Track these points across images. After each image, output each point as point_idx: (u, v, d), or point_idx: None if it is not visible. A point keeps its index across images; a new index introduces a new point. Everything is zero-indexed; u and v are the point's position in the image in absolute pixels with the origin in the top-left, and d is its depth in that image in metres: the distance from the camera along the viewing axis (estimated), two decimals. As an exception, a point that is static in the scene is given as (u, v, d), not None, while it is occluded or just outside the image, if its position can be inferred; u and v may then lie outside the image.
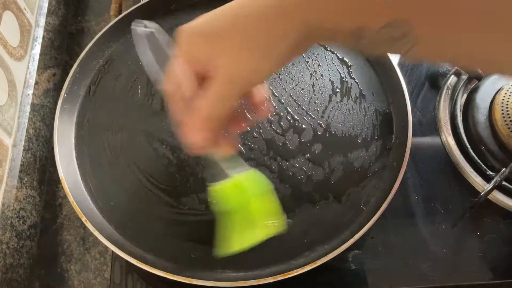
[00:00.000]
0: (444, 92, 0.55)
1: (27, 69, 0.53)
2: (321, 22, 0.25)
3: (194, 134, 0.30)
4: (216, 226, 0.37)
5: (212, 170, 0.35)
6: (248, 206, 0.33)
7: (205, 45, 0.28)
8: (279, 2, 0.25)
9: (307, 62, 0.53)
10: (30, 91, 0.53)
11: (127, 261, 0.40)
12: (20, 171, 0.48)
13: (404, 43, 0.23)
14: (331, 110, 0.50)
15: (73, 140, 0.49)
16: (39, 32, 0.56)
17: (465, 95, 0.55)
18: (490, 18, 0.21)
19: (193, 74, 0.29)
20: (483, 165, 0.49)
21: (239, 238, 0.34)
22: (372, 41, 0.24)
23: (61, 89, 0.49)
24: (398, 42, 0.23)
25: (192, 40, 0.28)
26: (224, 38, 0.27)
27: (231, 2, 0.27)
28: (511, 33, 0.21)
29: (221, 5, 0.28)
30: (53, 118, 0.49)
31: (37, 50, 0.55)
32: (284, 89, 0.51)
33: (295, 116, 0.49)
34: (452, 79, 0.56)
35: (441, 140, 0.52)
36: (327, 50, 0.54)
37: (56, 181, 0.53)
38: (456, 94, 0.55)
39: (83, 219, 0.42)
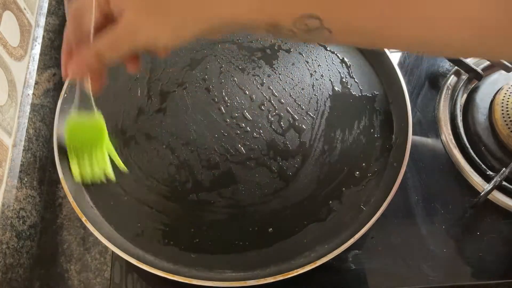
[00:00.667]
0: (444, 92, 0.55)
1: (27, 69, 0.53)
2: (234, 18, 0.26)
3: (81, 62, 0.31)
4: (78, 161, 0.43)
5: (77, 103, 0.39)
6: (100, 144, 0.42)
7: None
8: None
9: (307, 62, 0.53)
10: (30, 91, 0.53)
11: (127, 261, 0.40)
12: (20, 171, 0.48)
13: (320, 32, 0.25)
14: (331, 110, 0.50)
15: (73, 140, 0.49)
16: (39, 32, 0.56)
17: (465, 95, 0.55)
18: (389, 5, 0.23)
19: (99, 8, 0.30)
20: (483, 165, 0.49)
21: (85, 169, 0.43)
22: (291, 33, 0.26)
23: (61, 89, 0.49)
24: (315, 32, 0.25)
25: None
26: None
27: None
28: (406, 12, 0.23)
29: None
30: (53, 118, 0.49)
31: (37, 50, 0.55)
32: (284, 89, 0.51)
33: (295, 116, 0.49)
34: (452, 79, 0.56)
35: (441, 140, 0.52)
36: (327, 50, 0.54)
37: (56, 181, 0.53)
38: (456, 94, 0.55)
39: (83, 219, 0.42)
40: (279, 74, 0.52)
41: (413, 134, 0.46)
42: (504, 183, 0.48)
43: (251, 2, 0.25)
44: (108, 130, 0.49)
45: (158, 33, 0.28)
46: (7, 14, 0.49)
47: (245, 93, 0.51)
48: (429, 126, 0.54)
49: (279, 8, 0.25)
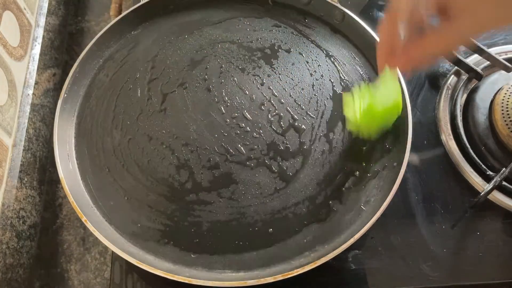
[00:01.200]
0: (444, 92, 0.55)
1: (27, 69, 0.53)
2: None
3: (410, 60, 0.30)
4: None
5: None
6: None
7: None
8: None
9: (307, 62, 0.53)
10: (30, 91, 0.53)
11: (127, 261, 0.40)
12: (20, 171, 0.48)
13: None
14: (331, 110, 0.50)
15: (73, 140, 0.49)
16: (39, 32, 0.56)
17: (465, 95, 0.55)
18: None
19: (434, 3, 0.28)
20: (483, 165, 0.49)
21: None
22: None
23: (61, 89, 0.49)
24: None
25: None
26: None
27: None
28: None
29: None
30: (53, 118, 0.49)
31: (37, 50, 0.55)
32: (284, 89, 0.51)
33: (295, 116, 0.49)
34: (452, 79, 0.56)
35: (441, 140, 0.52)
36: (327, 51, 0.54)
37: (56, 181, 0.53)
38: (456, 94, 0.55)
39: (83, 219, 0.42)
40: (279, 74, 0.52)
41: (413, 134, 0.45)
42: (504, 183, 0.48)
43: None
44: (108, 130, 0.49)
45: (504, 17, 0.26)
46: (7, 14, 0.49)
47: (245, 93, 0.51)
48: (429, 126, 0.54)
49: None
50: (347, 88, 0.51)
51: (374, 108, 0.42)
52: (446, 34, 0.28)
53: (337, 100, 0.51)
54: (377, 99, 0.42)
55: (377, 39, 0.51)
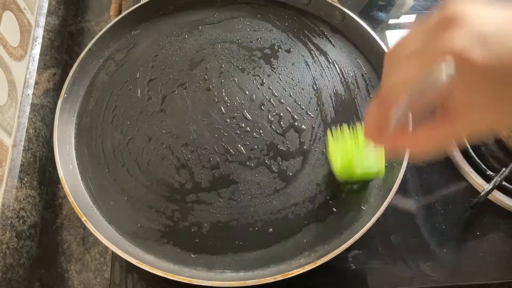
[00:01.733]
0: (444, 92, 0.55)
1: (27, 69, 0.53)
2: None
3: (395, 145, 0.30)
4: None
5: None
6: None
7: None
8: None
9: (307, 62, 0.53)
10: (30, 91, 0.53)
11: (127, 261, 0.40)
12: (20, 171, 0.48)
13: None
14: (331, 111, 0.50)
15: (73, 140, 0.49)
16: (39, 32, 0.56)
17: (465, 95, 0.55)
18: None
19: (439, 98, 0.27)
20: (483, 165, 0.49)
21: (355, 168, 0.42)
22: None
23: (61, 89, 0.49)
24: None
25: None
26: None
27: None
28: None
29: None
30: (53, 118, 0.49)
31: (37, 50, 0.55)
32: (284, 89, 0.51)
33: (295, 116, 0.49)
34: (452, 79, 0.56)
35: (441, 140, 0.52)
36: (327, 53, 0.54)
37: (56, 181, 0.53)
38: (456, 94, 0.54)
39: (83, 219, 0.42)
40: (279, 74, 0.52)
41: (413, 134, 0.45)
42: (504, 183, 0.48)
43: None
44: (108, 130, 0.49)
45: (498, 120, 0.25)
46: (7, 14, 0.49)
47: (245, 93, 0.51)
48: (429, 126, 0.53)
49: None
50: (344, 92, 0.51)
51: (353, 168, 0.41)
52: (443, 129, 0.26)
53: (337, 100, 0.50)
54: (358, 161, 0.41)
55: (377, 39, 0.51)
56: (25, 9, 0.54)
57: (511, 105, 0.24)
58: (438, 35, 0.23)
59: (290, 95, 0.51)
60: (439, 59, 0.23)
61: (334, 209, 0.45)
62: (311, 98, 0.51)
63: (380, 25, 0.63)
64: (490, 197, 0.48)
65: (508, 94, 0.23)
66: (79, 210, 0.42)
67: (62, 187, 0.44)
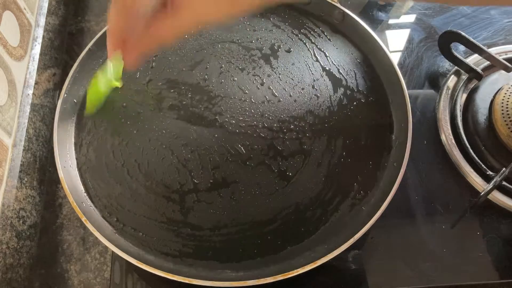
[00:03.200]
0: (444, 92, 0.55)
1: (27, 69, 0.53)
2: None
3: (140, 48, 0.31)
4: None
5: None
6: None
7: None
8: None
9: (307, 62, 0.53)
10: (30, 91, 0.53)
11: (127, 261, 0.40)
12: (20, 171, 0.48)
13: None
14: (331, 110, 0.50)
15: (73, 140, 0.49)
16: (39, 32, 0.56)
17: (465, 95, 0.55)
18: None
19: None
20: (483, 165, 0.49)
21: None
22: None
23: (61, 89, 0.49)
24: None
25: None
26: None
27: None
28: None
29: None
30: (53, 118, 0.49)
31: (37, 50, 0.55)
32: (284, 89, 0.51)
33: (295, 116, 0.49)
34: (452, 79, 0.56)
35: (441, 140, 0.52)
36: (326, 52, 0.54)
37: (56, 181, 0.53)
38: (456, 94, 0.55)
39: (83, 219, 0.42)
40: (279, 74, 0.52)
41: (413, 134, 0.45)
42: (504, 183, 0.48)
43: None
44: (108, 130, 0.49)
45: (219, 11, 0.28)
46: (7, 14, 0.49)
47: (245, 93, 0.51)
48: (429, 126, 0.54)
49: None
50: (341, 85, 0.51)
51: (96, 88, 0.45)
52: (167, 24, 0.29)
53: (337, 100, 0.50)
54: (102, 79, 0.44)
55: (377, 39, 0.51)
56: (25, 9, 0.54)
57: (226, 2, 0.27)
58: None
59: (290, 95, 0.51)
60: None
61: (334, 209, 0.45)
62: (311, 98, 0.51)
63: (380, 25, 0.63)
64: (490, 197, 0.48)
65: None
66: (79, 210, 0.42)
67: (62, 187, 0.44)
